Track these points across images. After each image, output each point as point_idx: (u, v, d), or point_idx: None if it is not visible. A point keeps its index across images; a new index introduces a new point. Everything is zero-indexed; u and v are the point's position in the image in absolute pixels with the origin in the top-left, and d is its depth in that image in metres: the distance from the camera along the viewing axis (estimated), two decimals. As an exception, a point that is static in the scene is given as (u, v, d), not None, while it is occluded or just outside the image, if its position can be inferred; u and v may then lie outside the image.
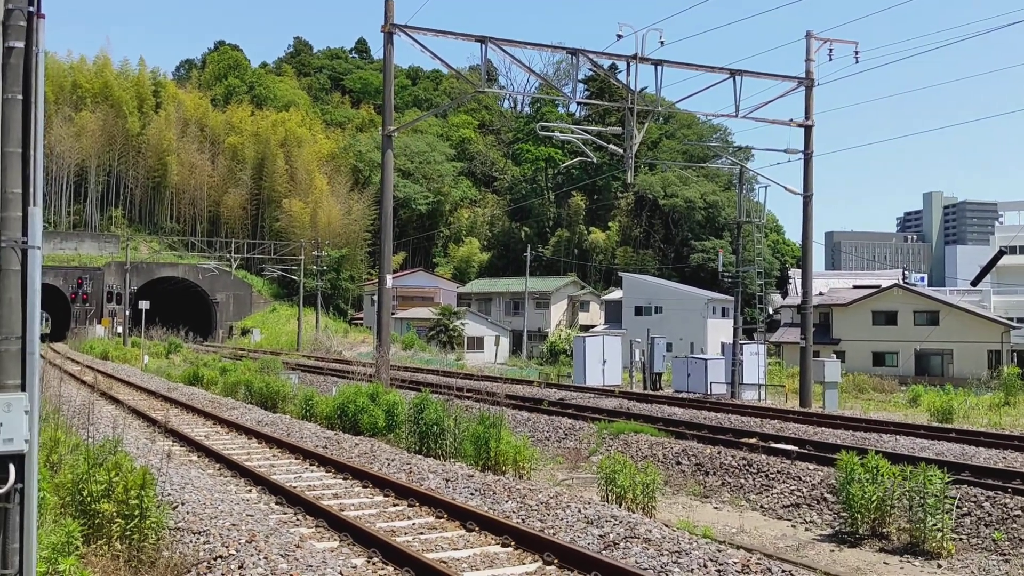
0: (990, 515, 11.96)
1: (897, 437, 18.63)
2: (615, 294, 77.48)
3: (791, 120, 28.50)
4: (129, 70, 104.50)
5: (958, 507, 12.13)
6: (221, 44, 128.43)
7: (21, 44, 4.88)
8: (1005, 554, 11.10)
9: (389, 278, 25.24)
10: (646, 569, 8.19)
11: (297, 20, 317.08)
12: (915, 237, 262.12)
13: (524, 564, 8.54)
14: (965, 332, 56.83)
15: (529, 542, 8.97)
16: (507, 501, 11.09)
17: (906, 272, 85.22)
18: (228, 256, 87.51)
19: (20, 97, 4.89)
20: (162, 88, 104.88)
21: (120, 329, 69.85)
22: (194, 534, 8.74)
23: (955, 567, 10.77)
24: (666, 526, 10.25)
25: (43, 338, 60.02)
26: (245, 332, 79.15)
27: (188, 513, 9.52)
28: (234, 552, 8.06)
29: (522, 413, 23.23)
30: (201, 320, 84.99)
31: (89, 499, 8.19)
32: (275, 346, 68.38)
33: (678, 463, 16.88)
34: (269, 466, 13.78)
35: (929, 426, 21.23)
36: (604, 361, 35.99)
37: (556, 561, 8.43)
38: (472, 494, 11.53)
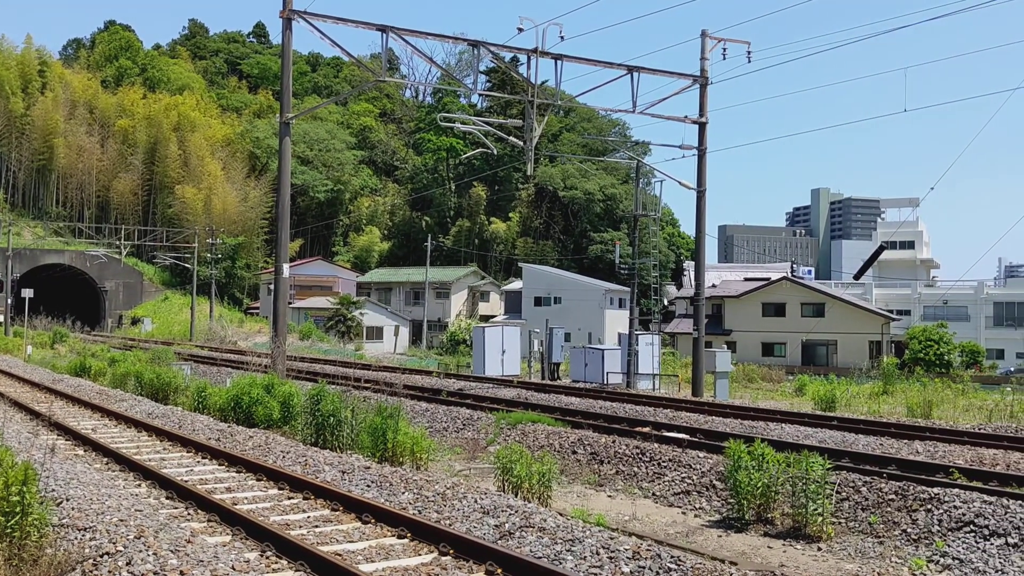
0: (867, 499, 12.53)
1: (783, 425, 19.31)
2: (515, 284, 77.96)
3: (686, 117, 29.12)
4: (10, 48, 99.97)
5: (837, 492, 12.67)
6: (112, 24, 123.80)
7: None
8: (880, 536, 11.66)
9: (286, 267, 24.88)
10: (540, 558, 8.34)
11: (192, 2, 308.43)
12: (803, 232, 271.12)
13: (420, 555, 8.58)
14: (849, 323, 59.18)
15: (425, 533, 9.02)
16: (404, 492, 11.11)
17: (794, 265, 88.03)
18: (118, 243, 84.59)
19: None
20: (48, 68, 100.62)
21: (1, 318, 66.94)
22: (79, 531, 8.50)
23: (834, 549, 11.27)
24: (561, 515, 10.43)
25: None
26: (136, 321, 76.85)
27: (73, 509, 9.25)
28: (122, 548, 7.87)
29: (421, 404, 23.22)
30: (89, 309, 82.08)
31: (-34, 496, 7.90)
32: (167, 336, 66.62)
33: (574, 452, 17.15)
34: (160, 460, 13.48)
35: (813, 414, 22.04)
36: (503, 351, 36.22)
37: (451, 552, 8.51)
38: (369, 486, 11.51)
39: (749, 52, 28.50)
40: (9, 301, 68.16)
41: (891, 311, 66.96)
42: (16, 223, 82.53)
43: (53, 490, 9.97)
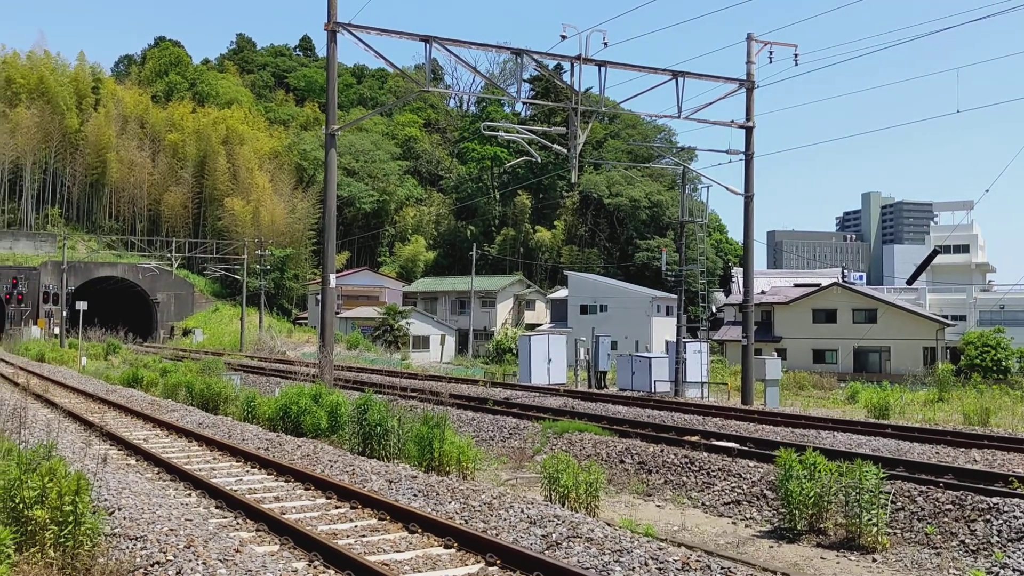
0: (923, 509, 12.25)
1: (835, 433, 18.98)
2: (561, 293, 77.80)
3: (732, 121, 28.85)
4: (65, 65, 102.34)
5: (892, 502, 12.40)
6: (162, 40, 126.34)
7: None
8: (937, 547, 11.38)
9: (333, 277, 25.04)
10: (588, 569, 8.25)
11: (240, 17, 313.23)
12: (854, 236, 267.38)
13: (467, 565, 8.54)
14: (902, 329, 58.11)
15: (472, 543, 8.97)
16: (450, 502, 11.08)
17: (845, 271, 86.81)
18: (169, 255, 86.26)
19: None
20: (101, 84, 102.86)
21: (57, 330, 68.32)
22: (131, 540, 8.59)
23: (889, 560, 11.02)
24: (608, 525, 10.32)
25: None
26: (187, 332, 77.95)
27: (125, 519, 9.35)
28: (172, 558, 7.94)
29: (467, 413, 23.21)
30: (141, 320, 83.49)
31: (21, 506, 8.00)
32: (217, 346, 67.48)
33: (621, 461, 17.01)
34: (210, 469, 13.60)
35: (866, 422, 21.64)
36: (549, 360, 36.10)
37: (499, 562, 8.45)
38: (415, 495, 11.50)
39: (796, 55, 28.18)
40: (64, 313, 69.59)
41: (945, 316, 65.65)
42: (71, 237, 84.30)
43: (105, 499, 10.09)
